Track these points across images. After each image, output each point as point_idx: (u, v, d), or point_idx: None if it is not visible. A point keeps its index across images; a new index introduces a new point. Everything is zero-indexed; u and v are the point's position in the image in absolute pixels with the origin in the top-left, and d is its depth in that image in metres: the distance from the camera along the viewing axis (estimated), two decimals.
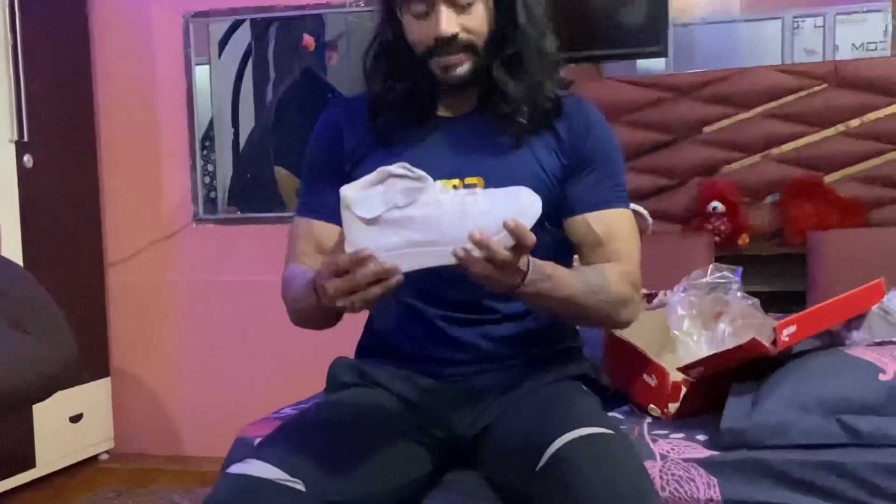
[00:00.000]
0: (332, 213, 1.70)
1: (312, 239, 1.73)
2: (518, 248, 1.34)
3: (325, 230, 1.73)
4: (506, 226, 1.32)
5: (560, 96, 1.69)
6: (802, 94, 3.13)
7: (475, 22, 1.61)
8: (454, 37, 1.59)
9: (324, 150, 1.75)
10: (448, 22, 1.59)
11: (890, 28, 3.36)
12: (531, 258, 1.43)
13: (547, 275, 1.47)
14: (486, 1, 1.62)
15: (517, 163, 1.65)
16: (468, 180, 1.63)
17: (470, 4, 1.60)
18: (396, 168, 1.37)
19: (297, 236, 1.75)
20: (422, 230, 1.34)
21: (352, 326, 1.78)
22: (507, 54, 1.64)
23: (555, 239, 1.68)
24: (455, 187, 1.63)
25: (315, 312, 1.56)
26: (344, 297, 1.34)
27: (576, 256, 1.73)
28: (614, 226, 1.67)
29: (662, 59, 3.59)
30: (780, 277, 3.02)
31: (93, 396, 3.70)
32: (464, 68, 1.62)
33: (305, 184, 1.79)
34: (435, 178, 1.58)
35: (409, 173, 1.37)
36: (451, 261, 1.33)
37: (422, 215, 1.35)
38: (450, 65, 1.62)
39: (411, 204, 1.35)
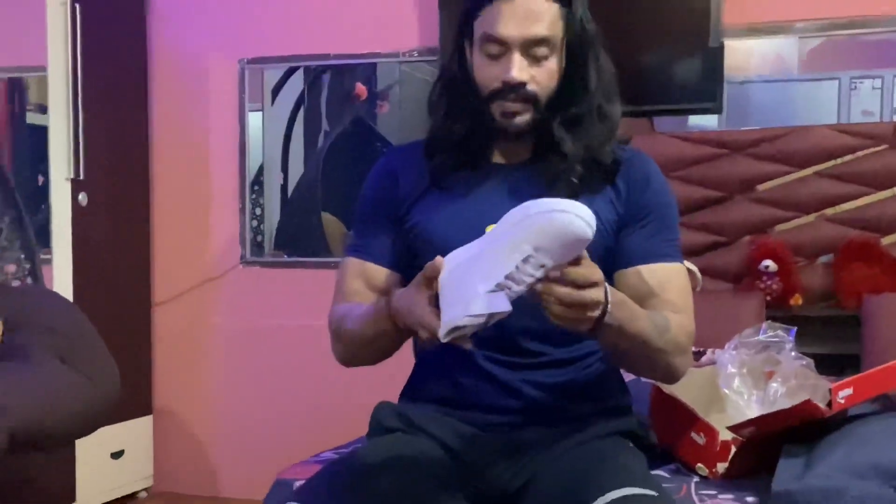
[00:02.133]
0: (383, 255, 1.73)
1: (364, 279, 1.73)
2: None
3: (376, 272, 1.73)
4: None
5: (618, 155, 1.67)
6: (859, 154, 3.08)
7: (545, 76, 1.61)
8: (522, 85, 1.59)
9: (379, 193, 1.76)
10: (520, 69, 1.59)
11: None
12: (607, 286, 1.41)
13: (623, 302, 1.45)
14: (560, 58, 1.63)
15: None
16: None
17: (545, 58, 1.61)
18: None
19: (347, 275, 1.75)
20: None
21: (396, 371, 1.77)
22: (569, 113, 1.64)
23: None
24: None
25: (380, 339, 1.57)
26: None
27: None
28: (668, 279, 1.64)
29: (715, 116, 3.57)
30: (833, 339, 2.95)
31: (134, 434, 3.71)
32: (523, 118, 1.62)
33: (358, 226, 1.79)
34: (486, 223, 1.57)
35: None
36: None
37: None
38: (510, 112, 1.61)
39: None
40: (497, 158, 1.71)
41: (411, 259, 1.72)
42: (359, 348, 1.65)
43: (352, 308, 1.66)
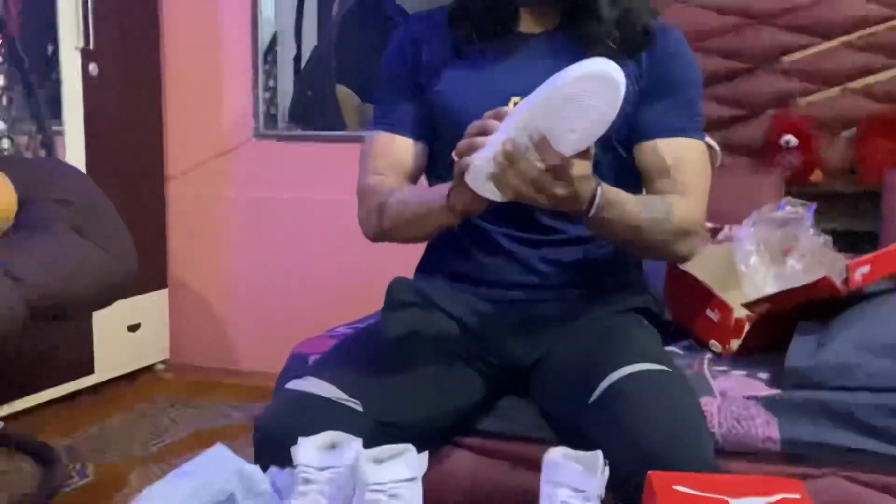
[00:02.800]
0: (410, 126, 1.69)
1: (392, 154, 1.69)
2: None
3: (404, 144, 1.69)
4: None
5: (650, 23, 1.62)
6: (890, 24, 2.99)
7: None
8: None
9: (401, 62, 1.71)
10: None
11: None
12: (601, 184, 1.39)
13: (614, 201, 1.42)
14: None
15: None
16: None
17: None
18: None
19: (373, 151, 1.71)
20: None
21: (413, 246, 1.76)
22: None
23: (623, 164, 1.63)
24: None
25: (430, 218, 1.52)
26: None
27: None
28: (685, 155, 1.60)
29: None
30: (852, 216, 2.92)
31: (150, 307, 3.75)
32: None
33: (382, 97, 1.75)
34: (509, 95, 1.55)
35: None
36: None
37: None
38: None
39: None
40: (523, 27, 1.66)
41: (434, 131, 1.70)
42: (407, 227, 1.60)
43: (395, 188, 1.63)
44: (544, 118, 1.26)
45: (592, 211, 1.39)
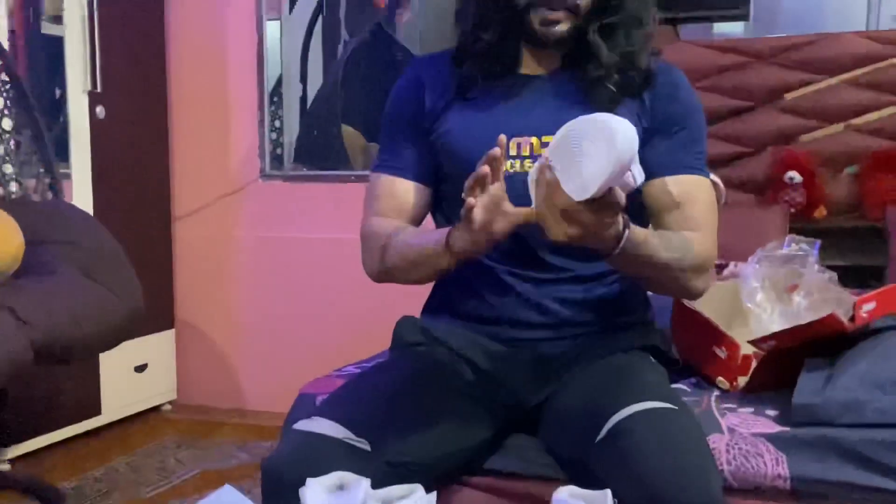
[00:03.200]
0: (412, 170, 1.71)
1: (395, 197, 1.71)
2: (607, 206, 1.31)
3: (406, 187, 1.71)
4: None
5: (651, 65, 1.64)
6: (890, 61, 3.01)
7: None
8: None
9: (405, 105, 1.73)
10: None
11: None
12: (630, 225, 1.40)
13: (640, 241, 1.44)
14: None
15: None
16: (545, 138, 1.60)
17: None
18: None
19: (376, 193, 1.73)
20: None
21: (419, 286, 1.77)
22: (605, 21, 1.60)
23: (632, 203, 1.64)
24: (531, 144, 1.61)
25: (431, 268, 1.56)
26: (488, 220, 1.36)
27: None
28: (692, 191, 1.62)
29: (741, 23, 3.49)
30: (856, 252, 2.93)
31: (157, 348, 3.75)
32: (563, 27, 1.59)
33: (385, 140, 1.77)
34: (511, 136, 1.58)
35: None
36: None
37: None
38: (551, 20, 1.58)
39: None
40: (525, 69, 1.68)
41: (438, 174, 1.71)
42: (408, 269, 1.62)
43: (399, 228, 1.66)
44: (553, 157, 1.30)
45: (617, 251, 1.40)
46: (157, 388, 3.77)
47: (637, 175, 1.33)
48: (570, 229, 1.32)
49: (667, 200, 1.61)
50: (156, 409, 3.77)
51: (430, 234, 1.59)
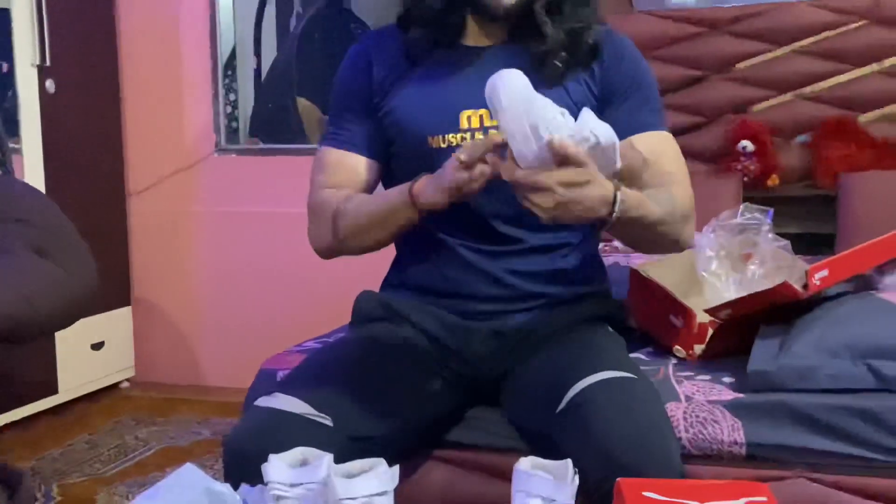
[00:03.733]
0: (361, 144, 1.71)
1: (343, 170, 1.71)
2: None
3: (355, 161, 1.71)
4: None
5: (596, 38, 1.65)
6: (839, 30, 3.04)
7: None
8: None
9: (353, 80, 1.73)
10: None
11: None
12: (621, 188, 1.42)
13: (636, 204, 1.46)
14: None
15: (545, 93, 1.62)
16: None
17: None
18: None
19: (325, 167, 1.73)
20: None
21: (378, 260, 1.77)
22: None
23: None
24: (482, 117, 1.62)
25: (391, 225, 1.58)
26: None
27: None
28: (661, 147, 1.66)
29: None
30: (809, 219, 2.97)
31: (114, 325, 3.72)
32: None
33: (333, 115, 1.77)
34: (460, 109, 1.59)
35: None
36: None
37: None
38: None
39: None
40: (470, 41, 1.69)
41: (388, 146, 1.71)
42: (365, 231, 1.63)
43: (350, 195, 1.66)
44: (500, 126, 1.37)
45: (615, 215, 1.42)
46: (115, 366, 3.74)
47: (600, 134, 1.34)
48: (545, 199, 1.34)
49: (637, 159, 1.63)
50: (114, 386, 3.75)
51: (389, 191, 1.60)
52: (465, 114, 1.62)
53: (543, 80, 1.60)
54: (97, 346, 3.62)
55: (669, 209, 1.56)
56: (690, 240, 1.68)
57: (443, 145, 1.63)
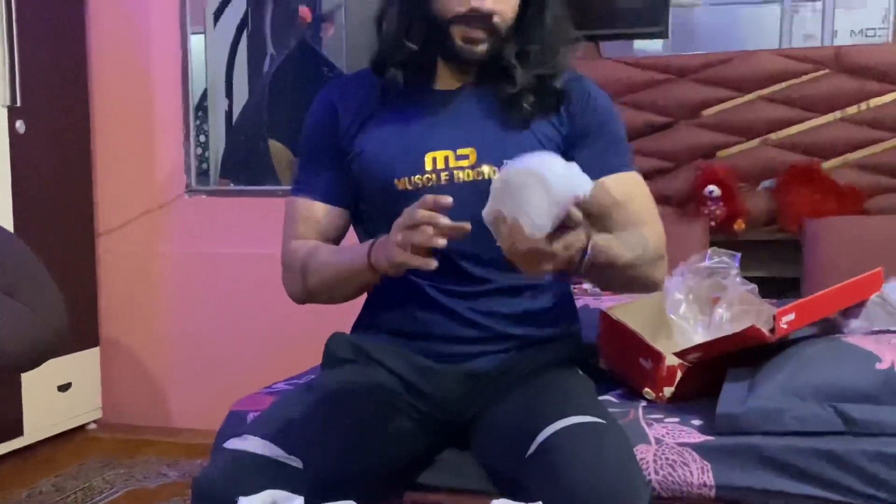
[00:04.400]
0: (328, 191, 1.73)
1: (311, 220, 1.73)
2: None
3: (323, 211, 1.73)
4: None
5: (564, 84, 1.68)
6: (802, 78, 3.11)
7: (508, 6, 1.62)
8: (490, 15, 1.60)
9: (319, 128, 1.76)
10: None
11: (890, 15, 3.34)
12: (591, 237, 1.44)
13: (606, 247, 1.48)
14: None
15: (511, 135, 1.65)
16: (460, 151, 1.64)
17: None
18: None
19: (296, 217, 1.75)
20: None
21: (349, 303, 1.77)
22: (523, 47, 1.65)
23: None
24: (447, 158, 1.64)
25: (354, 282, 1.60)
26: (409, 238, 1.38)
27: None
28: (631, 189, 1.68)
29: (660, 41, 3.56)
30: (774, 263, 3.01)
31: (81, 366, 3.68)
32: (483, 46, 1.63)
33: (302, 163, 1.79)
34: (427, 150, 1.63)
35: None
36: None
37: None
38: (472, 38, 1.61)
39: None
40: (440, 84, 1.71)
41: (357, 192, 1.73)
42: (331, 287, 1.65)
43: (318, 247, 1.68)
44: (501, 206, 1.35)
45: (585, 263, 1.44)
46: (82, 407, 3.70)
47: (586, 186, 1.36)
48: (545, 265, 1.35)
49: (607, 201, 1.65)
50: (80, 428, 3.70)
51: (348, 251, 1.62)
52: (430, 155, 1.64)
53: (512, 123, 1.63)
54: (64, 388, 3.57)
55: (640, 252, 1.58)
56: (662, 279, 1.71)
57: (409, 187, 1.64)
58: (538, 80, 1.66)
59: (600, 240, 1.47)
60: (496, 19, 1.60)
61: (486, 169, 1.63)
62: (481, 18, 1.60)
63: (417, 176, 1.64)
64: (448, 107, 1.68)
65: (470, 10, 1.59)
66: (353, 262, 1.57)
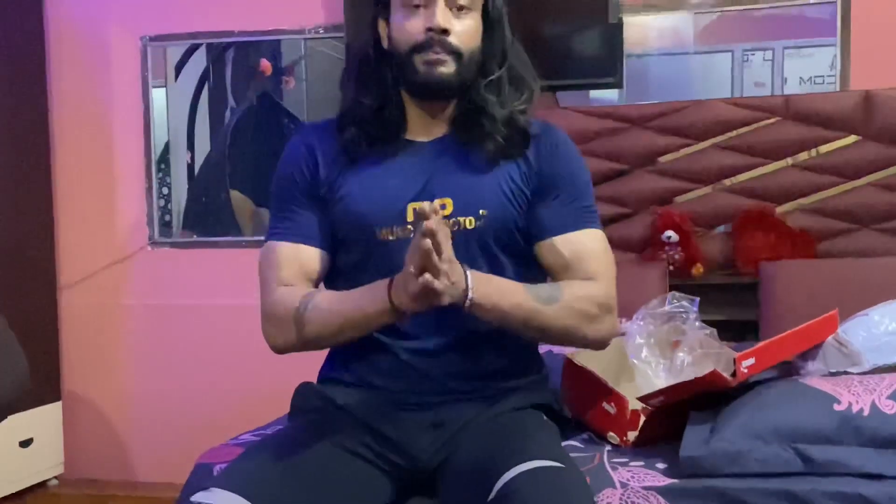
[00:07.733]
0: (313, 236, 1.71)
1: (296, 264, 1.70)
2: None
3: (310, 254, 1.71)
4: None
5: (531, 127, 1.72)
6: (754, 126, 3.19)
7: (467, 30, 1.65)
8: (446, 33, 1.62)
9: (296, 172, 1.74)
10: (444, 16, 1.62)
11: (837, 63, 3.44)
12: (470, 273, 1.51)
13: (487, 279, 1.54)
14: (478, 20, 1.67)
15: (485, 183, 1.68)
16: (438, 201, 1.65)
17: (467, 10, 1.65)
18: None
19: (277, 262, 1.70)
20: None
21: (314, 353, 1.78)
22: (490, 79, 1.68)
23: (515, 269, 1.70)
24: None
25: (369, 321, 1.59)
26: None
27: None
28: (583, 247, 1.69)
29: (616, 90, 3.64)
30: (732, 306, 3.06)
31: (43, 421, 3.64)
32: (448, 68, 1.64)
33: (277, 208, 1.76)
34: (408, 201, 1.63)
35: None
36: None
37: None
38: (434, 60, 1.63)
39: None
40: (411, 135, 1.73)
41: (335, 241, 1.73)
42: (337, 334, 1.63)
43: (313, 295, 1.65)
44: None
45: (469, 298, 1.50)
46: (44, 463, 3.64)
47: None
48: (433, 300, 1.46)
49: (558, 260, 1.69)
50: (42, 484, 3.64)
51: (357, 296, 1.60)
52: (412, 206, 1.65)
53: (481, 164, 1.67)
54: (25, 444, 3.52)
55: (548, 299, 1.61)
56: (600, 339, 1.71)
57: (391, 238, 1.65)
58: (510, 115, 1.69)
59: (481, 278, 1.54)
60: (453, 39, 1.63)
61: (462, 220, 1.66)
62: (440, 42, 1.62)
63: (399, 227, 1.65)
64: (424, 154, 1.70)
65: (426, 31, 1.62)
66: (369, 306, 1.56)
